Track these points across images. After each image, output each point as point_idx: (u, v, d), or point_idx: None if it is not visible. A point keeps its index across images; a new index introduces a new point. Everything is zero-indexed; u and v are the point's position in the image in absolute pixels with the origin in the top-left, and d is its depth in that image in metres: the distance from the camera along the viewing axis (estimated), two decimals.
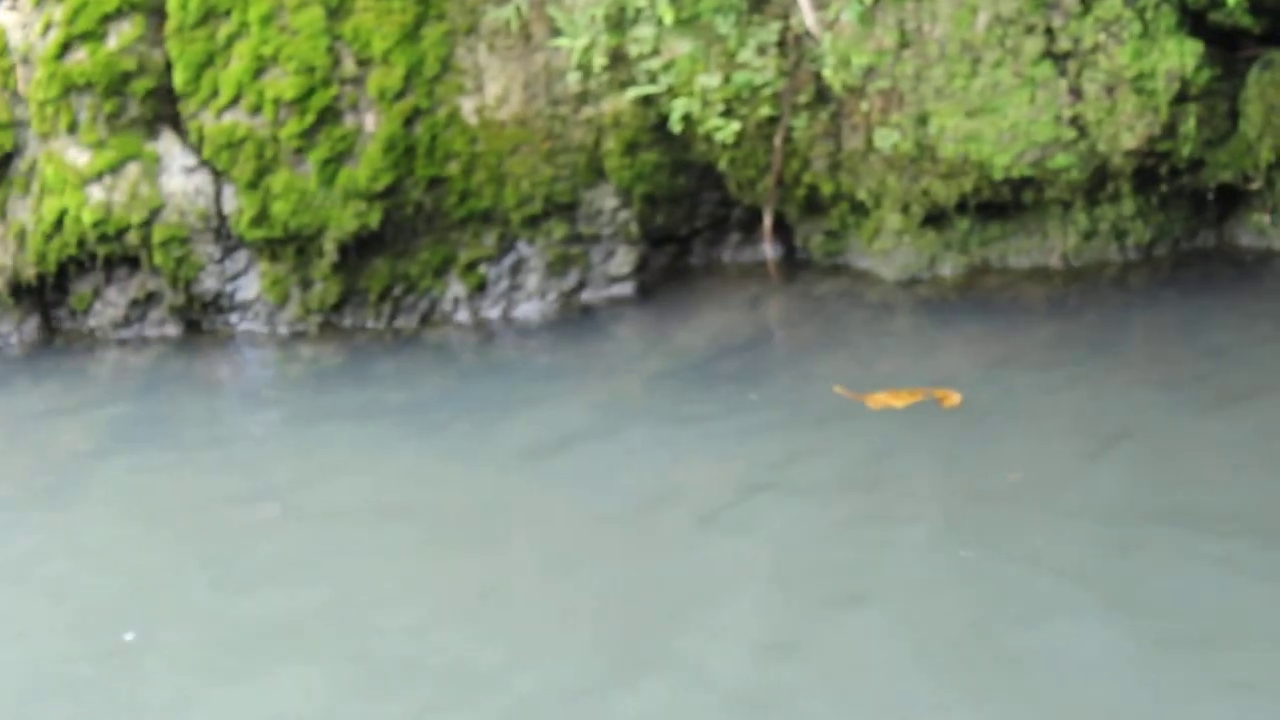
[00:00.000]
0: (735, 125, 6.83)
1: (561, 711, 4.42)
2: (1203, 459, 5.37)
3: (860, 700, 4.31)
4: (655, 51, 6.86)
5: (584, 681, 4.51)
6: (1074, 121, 6.64)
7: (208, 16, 6.89)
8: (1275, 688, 4.20)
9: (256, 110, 6.88)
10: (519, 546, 5.28)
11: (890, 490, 5.33)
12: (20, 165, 7.05)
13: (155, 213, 6.92)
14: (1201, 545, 4.83)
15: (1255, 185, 6.83)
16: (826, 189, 7.01)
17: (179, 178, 6.92)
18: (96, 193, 6.91)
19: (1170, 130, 6.64)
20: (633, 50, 6.88)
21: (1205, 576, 4.68)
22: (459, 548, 5.30)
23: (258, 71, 6.86)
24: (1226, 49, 6.76)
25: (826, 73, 6.77)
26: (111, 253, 6.99)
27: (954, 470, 5.40)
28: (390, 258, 7.06)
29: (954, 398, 5.84)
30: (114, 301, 7.14)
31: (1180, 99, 6.62)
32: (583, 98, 6.97)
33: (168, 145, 6.96)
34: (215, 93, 6.90)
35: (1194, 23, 6.68)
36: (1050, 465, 5.42)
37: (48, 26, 6.93)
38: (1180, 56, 6.59)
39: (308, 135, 6.88)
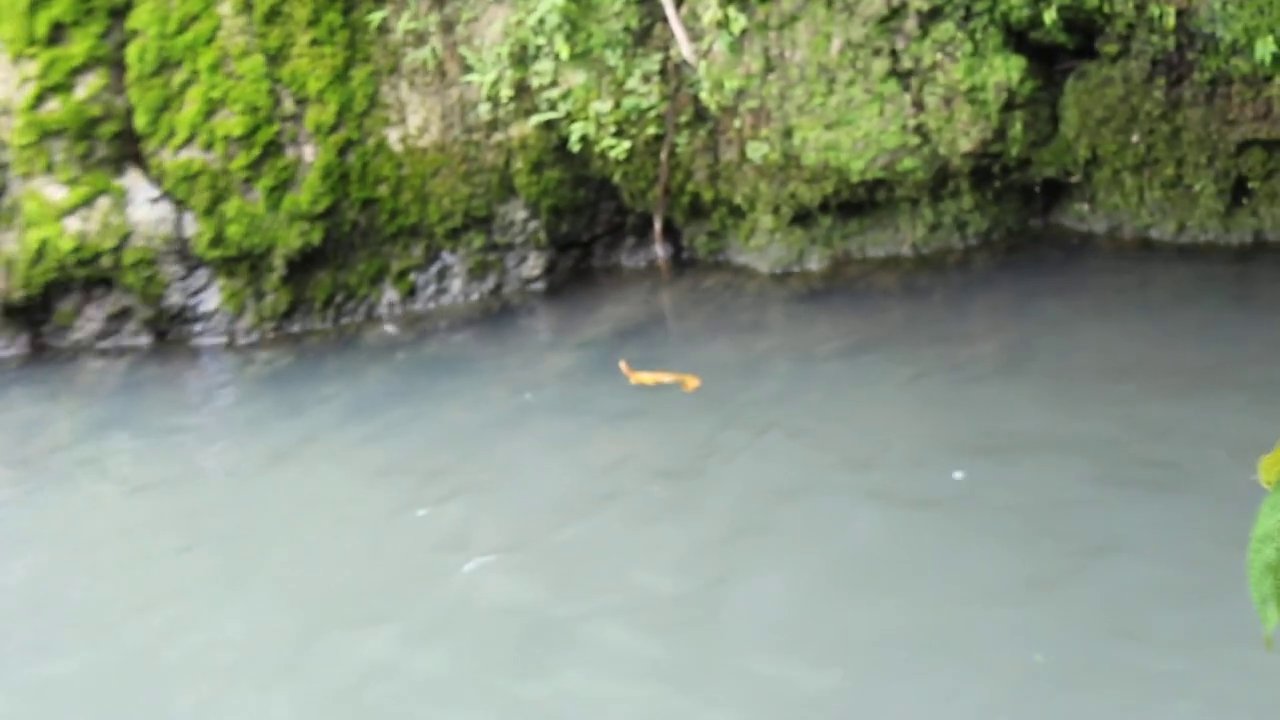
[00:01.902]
0: (626, 144, 7.34)
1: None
2: (1025, 404, 6.07)
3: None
4: (554, 83, 7.36)
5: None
6: (918, 130, 7.18)
7: (163, 67, 7.33)
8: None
9: (209, 147, 7.33)
10: (451, 505, 5.93)
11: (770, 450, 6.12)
12: (5, 203, 7.36)
13: (125, 239, 7.31)
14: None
15: (1075, 179, 7.35)
16: (707, 196, 7.51)
17: (144, 208, 7.34)
18: (72, 224, 7.29)
19: (1000, 135, 7.19)
20: (535, 82, 7.37)
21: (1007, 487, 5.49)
22: (407, 510, 5.98)
23: (209, 113, 7.32)
24: (1046, 63, 7.30)
25: (703, 95, 7.29)
26: (88, 275, 7.36)
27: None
28: (332, 270, 7.50)
29: (694, 382, 6.35)
30: (93, 317, 7.47)
31: (1008, 107, 7.17)
32: (493, 125, 7.47)
33: (133, 180, 7.36)
34: (172, 133, 7.34)
35: (1017, 41, 7.22)
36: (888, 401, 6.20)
37: (24, 81, 7.30)
38: (1007, 71, 7.12)
39: (255, 167, 7.34)
